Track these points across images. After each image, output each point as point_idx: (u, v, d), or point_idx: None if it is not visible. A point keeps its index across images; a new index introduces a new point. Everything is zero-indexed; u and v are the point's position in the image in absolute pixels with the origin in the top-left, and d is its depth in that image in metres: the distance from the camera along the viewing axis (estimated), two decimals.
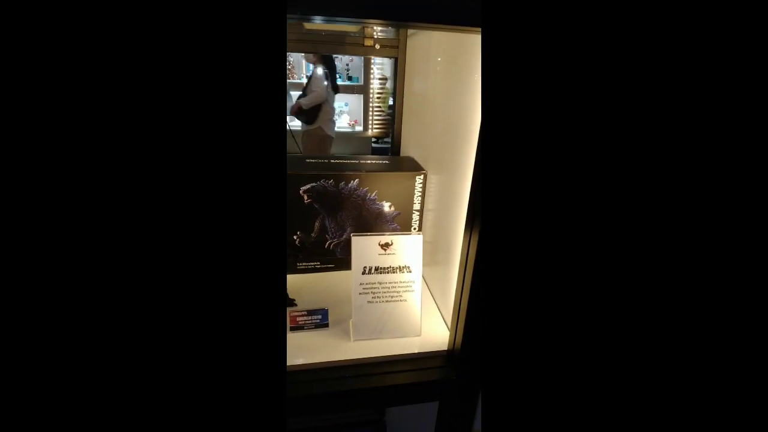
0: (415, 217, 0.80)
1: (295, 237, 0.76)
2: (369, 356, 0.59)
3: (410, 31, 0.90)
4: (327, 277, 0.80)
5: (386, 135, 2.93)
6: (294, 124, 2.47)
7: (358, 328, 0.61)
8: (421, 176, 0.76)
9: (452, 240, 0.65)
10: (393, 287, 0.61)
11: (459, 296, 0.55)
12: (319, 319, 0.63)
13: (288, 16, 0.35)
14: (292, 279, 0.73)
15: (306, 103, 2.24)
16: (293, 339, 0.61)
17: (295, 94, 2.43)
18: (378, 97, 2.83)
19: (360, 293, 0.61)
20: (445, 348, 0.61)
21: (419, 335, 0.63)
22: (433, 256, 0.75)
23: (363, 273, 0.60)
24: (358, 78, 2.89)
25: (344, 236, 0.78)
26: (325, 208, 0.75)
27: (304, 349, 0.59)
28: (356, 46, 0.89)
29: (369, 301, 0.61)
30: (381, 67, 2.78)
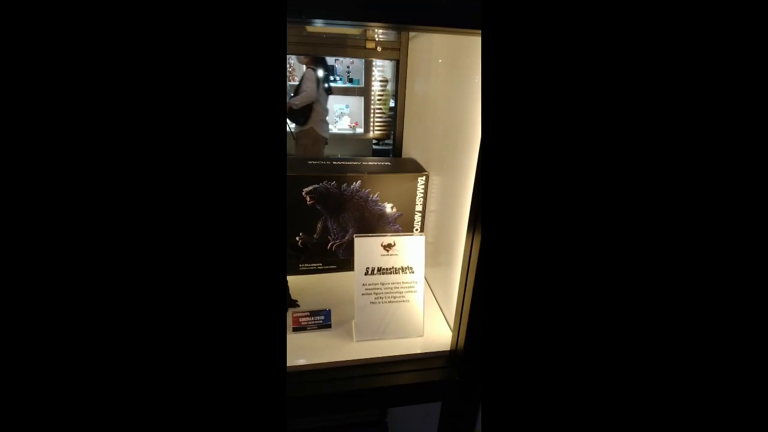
0: (417, 218, 0.80)
1: (297, 238, 0.76)
2: (372, 357, 0.59)
3: (412, 34, 0.90)
4: (329, 278, 0.80)
5: (387, 137, 2.94)
6: (292, 126, 2.47)
7: (360, 328, 0.61)
8: (423, 177, 0.77)
9: (454, 241, 0.65)
10: (395, 288, 0.62)
11: (462, 297, 0.55)
12: (322, 319, 0.63)
13: (289, 19, 0.36)
14: (294, 280, 0.74)
15: (296, 103, 2.23)
16: (296, 340, 0.61)
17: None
18: (379, 99, 2.84)
19: (363, 294, 0.61)
20: (448, 348, 0.61)
21: (422, 336, 0.63)
22: (435, 257, 0.75)
23: (366, 274, 0.60)
24: (359, 80, 2.90)
25: (346, 237, 0.79)
26: (327, 209, 0.75)
27: (306, 349, 0.59)
28: (358, 48, 0.90)
29: (372, 302, 0.61)
30: (382, 69, 2.79)
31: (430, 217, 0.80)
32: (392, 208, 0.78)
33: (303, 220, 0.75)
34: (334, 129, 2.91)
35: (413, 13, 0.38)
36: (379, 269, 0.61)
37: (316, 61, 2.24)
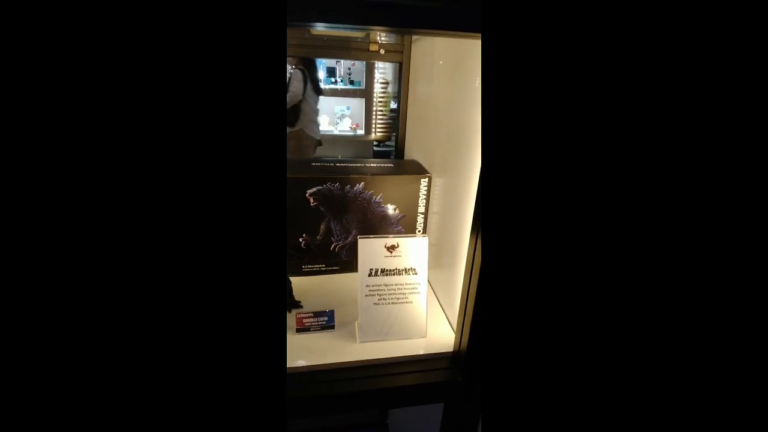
0: (420, 219, 0.81)
1: (300, 239, 0.77)
2: (375, 358, 0.59)
3: (414, 37, 0.91)
4: (332, 279, 0.81)
5: (388, 138, 2.94)
6: None
7: (364, 329, 0.62)
8: (426, 179, 0.77)
9: (457, 242, 0.65)
10: (399, 289, 0.62)
11: (465, 298, 0.55)
12: (326, 320, 0.63)
13: (291, 22, 0.36)
14: (297, 281, 0.74)
15: None
16: (300, 340, 0.61)
17: None
18: (380, 101, 2.85)
19: (366, 295, 0.61)
20: (450, 350, 0.61)
21: (425, 337, 0.63)
22: (437, 258, 0.76)
23: (369, 275, 0.61)
24: (360, 82, 2.91)
25: (349, 239, 0.79)
26: (330, 210, 0.76)
27: (310, 350, 0.60)
28: (361, 51, 0.90)
29: (375, 303, 0.61)
30: (383, 71, 2.80)
31: (433, 219, 0.80)
32: (395, 209, 0.78)
33: (306, 222, 0.76)
34: (335, 131, 2.92)
35: (413, 17, 0.39)
36: (383, 270, 0.61)
37: (304, 61, 2.21)
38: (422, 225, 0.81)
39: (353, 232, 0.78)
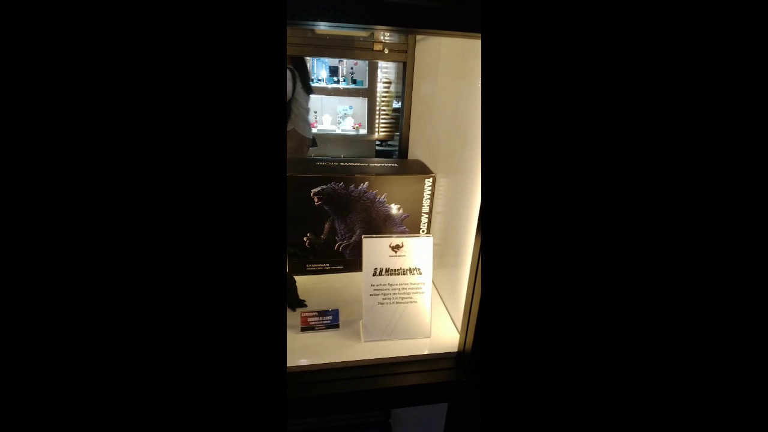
0: (424, 219, 0.81)
1: (305, 238, 0.77)
2: (379, 357, 0.59)
3: (419, 36, 0.91)
4: (336, 278, 0.81)
5: (391, 138, 2.94)
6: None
7: (368, 329, 0.62)
8: (430, 179, 0.77)
9: (461, 242, 0.65)
10: (403, 289, 0.62)
11: (470, 298, 0.55)
12: (330, 320, 0.63)
13: (292, 21, 0.36)
14: (301, 280, 0.74)
15: None
16: (304, 339, 0.62)
17: None
18: (383, 101, 2.84)
19: (371, 294, 0.61)
20: (455, 350, 0.61)
21: (429, 337, 0.63)
22: (441, 258, 0.76)
23: (374, 275, 0.61)
24: (362, 81, 2.91)
25: (353, 238, 0.79)
26: (334, 210, 0.76)
27: (314, 349, 0.60)
28: (365, 50, 0.90)
29: (380, 303, 0.62)
30: (386, 70, 2.79)
31: (437, 219, 0.80)
32: (399, 209, 0.78)
33: (311, 221, 0.76)
34: (337, 130, 2.92)
35: (414, 17, 0.39)
36: (387, 270, 0.61)
37: (294, 60, 2.19)
38: (426, 225, 0.81)
39: (357, 232, 0.78)
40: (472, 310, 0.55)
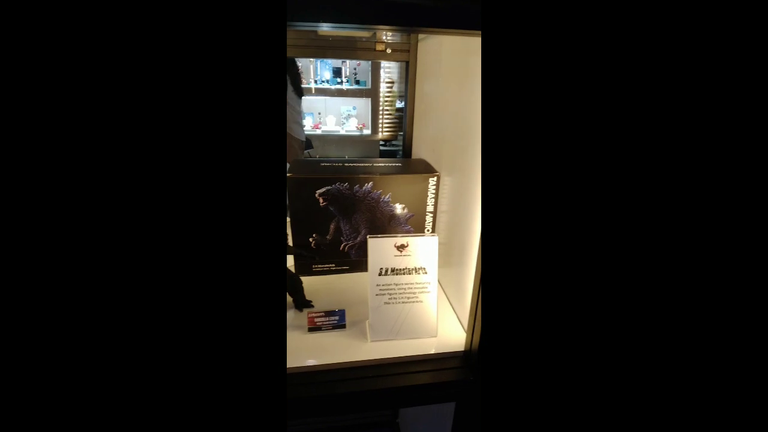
0: (429, 219, 0.81)
1: (311, 239, 0.77)
2: (386, 357, 0.59)
3: (421, 36, 0.91)
4: (342, 278, 0.81)
5: (394, 138, 2.94)
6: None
7: (375, 329, 0.62)
8: (435, 178, 0.77)
9: (466, 241, 0.65)
10: (409, 288, 0.62)
11: (476, 297, 0.55)
12: (337, 320, 0.64)
13: (293, 23, 0.36)
14: (308, 281, 0.74)
15: None
16: (311, 339, 0.62)
17: (303, 99, 2.44)
18: (386, 101, 2.85)
19: (377, 294, 0.61)
20: (461, 349, 0.61)
21: (435, 336, 0.63)
22: (446, 257, 0.75)
23: (379, 274, 0.61)
24: (365, 82, 2.91)
25: (359, 238, 0.79)
26: (339, 210, 0.76)
27: (322, 349, 0.60)
28: (367, 51, 0.90)
29: (386, 303, 0.62)
30: (389, 70, 2.80)
31: (441, 218, 0.80)
32: (403, 208, 0.78)
33: (316, 222, 0.76)
34: (341, 131, 2.92)
35: (413, 15, 0.39)
36: (393, 270, 0.61)
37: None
38: (431, 224, 0.81)
39: (362, 232, 0.79)
40: (479, 309, 0.54)
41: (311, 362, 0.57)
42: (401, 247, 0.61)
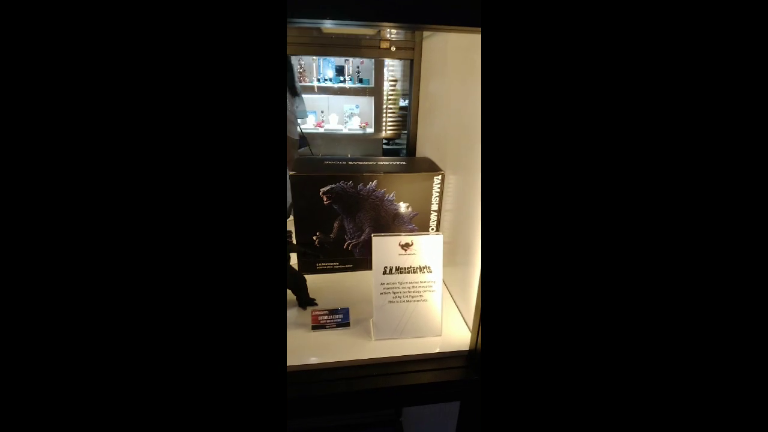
0: (433, 217, 0.80)
1: (314, 238, 0.77)
2: (390, 356, 0.59)
3: (426, 33, 0.90)
4: (346, 277, 0.81)
5: (398, 136, 2.94)
6: (305, 126, 2.48)
7: (379, 327, 0.62)
8: (439, 177, 0.77)
9: (471, 240, 0.65)
10: (413, 287, 0.62)
11: (481, 296, 0.55)
12: (341, 318, 0.63)
13: (293, 20, 0.36)
14: (311, 279, 0.74)
15: None
16: (315, 338, 0.62)
17: (306, 97, 2.44)
18: (389, 99, 2.84)
19: (381, 293, 0.61)
20: (466, 348, 0.61)
21: (440, 335, 0.63)
22: (451, 256, 0.75)
23: (384, 273, 0.61)
24: (368, 80, 2.91)
25: (362, 237, 0.79)
26: (343, 209, 0.76)
27: (325, 347, 0.60)
28: (372, 48, 0.90)
29: (390, 301, 0.61)
30: (392, 68, 2.79)
31: (446, 217, 0.80)
32: (408, 207, 0.78)
33: (320, 220, 0.76)
34: (344, 129, 2.92)
35: (412, 12, 0.38)
36: (397, 268, 0.61)
37: None
38: (435, 223, 0.81)
39: (366, 230, 0.78)
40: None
41: (315, 360, 0.57)
42: (406, 246, 0.61)
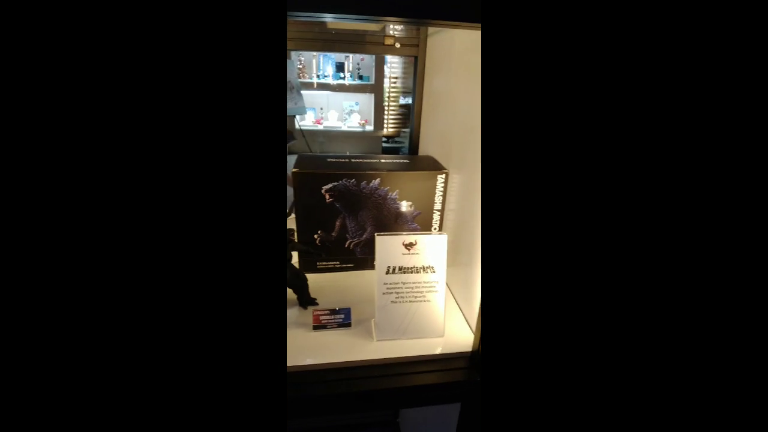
0: (436, 217, 0.80)
1: (316, 236, 0.76)
2: (392, 356, 0.58)
3: (430, 30, 0.89)
4: (347, 276, 0.80)
5: (397, 134, 2.93)
6: (304, 123, 2.47)
7: (381, 328, 0.61)
8: (443, 176, 0.76)
9: (475, 241, 0.64)
10: (416, 287, 0.61)
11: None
12: (342, 318, 0.63)
13: (291, 13, 0.36)
14: (312, 278, 0.73)
15: None
16: (316, 338, 0.61)
17: (306, 93, 2.43)
18: (389, 96, 2.83)
19: (384, 293, 0.60)
20: (468, 349, 0.60)
21: (442, 336, 0.62)
22: (454, 256, 0.74)
23: (387, 273, 0.60)
24: (368, 77, 2.89)
25: (364, 236, 0.78)
26: (346, 207, 0.75)
27: (327, 347, 0.59)
28: (376, 45, 0.89)
29: (392, 301, 0.61)
30: (393, 66, 2.78)
31: (449, 216, 0.79)
32: (410, 206, 0.77)
33: (322, 218, 0.75)
34: (343, 126, 2.91)
35: (411, 7, 0.38)
36: (400, 268, 0.60)
37: None
38: (438, 222, 0.80)
39: (368, 229, 0.77)
40: None
41: (316, 361, 0.56)
42: (409, 246, 0.60)
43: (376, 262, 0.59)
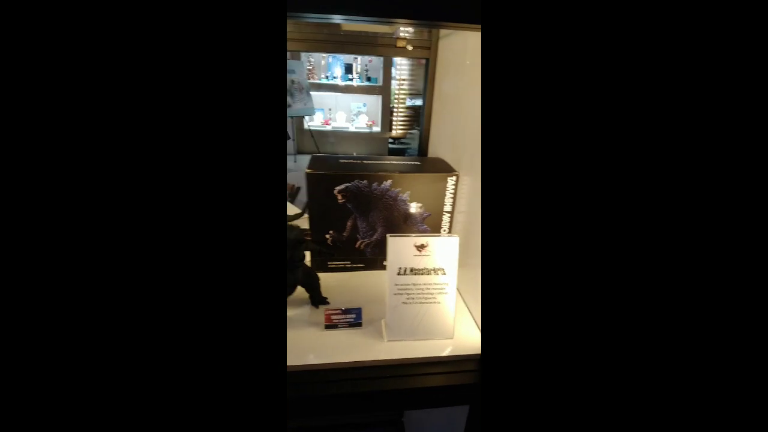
0: (446, 219, 0.80)
1: (327, 236, 0.77)
2: (402, 357, 0.59)
3: (442, 33, 0.90)
4: (357, 276, 0.80)
5: (404, 136, 2.93)
6: (313, 124, 2.48)
7: (391, 328, 0.61)
8: (454, 178, 0.76)
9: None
10: (427, 289, 0.61)
11: None
12: (353, 318, 0.63)
13: (292, 14, 0.36)
14: (323, 278, 0.74)
15: None
16: (328, 337, 0.62)
17: (314, 94, 2.44)
18: (398, 98, 2.83)
19: (395, 294, 0.61)
20: (477, 352, 0.60)
21: (452, 338, 0.63)
22: (463, 258, 0.74)
23: (398, 274, 0.60)
24: (376, 79, 2.90)
25: (375, 236, 0.79)
26: (357, 208, 0.75)
27: (338, 347, 0.60)
28: (388, 47, 0.90)
29: (403, 302, 0.61)
30: (401, 68, 2.78)
31: (459, 218, 0.79)
32: (420, 207, 0.78)
33: (333, 218, 0.76)
34: (350, 127, 2.92)
35: (412, 7, 0.38)
36: (412, 270, 0.61)
37: None
38: (448, 224, 0.80)
39: (379, 230, 0.78)
40: None
41: (327, 360, 0.57)
42: (421, 247, 0.60)
43: (388, 263, 0.60)
